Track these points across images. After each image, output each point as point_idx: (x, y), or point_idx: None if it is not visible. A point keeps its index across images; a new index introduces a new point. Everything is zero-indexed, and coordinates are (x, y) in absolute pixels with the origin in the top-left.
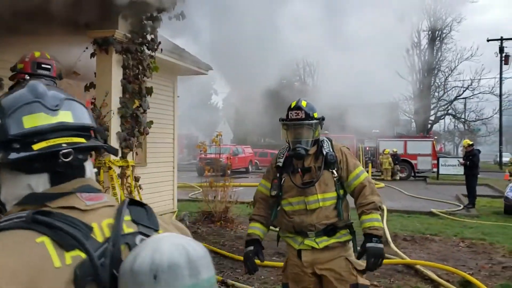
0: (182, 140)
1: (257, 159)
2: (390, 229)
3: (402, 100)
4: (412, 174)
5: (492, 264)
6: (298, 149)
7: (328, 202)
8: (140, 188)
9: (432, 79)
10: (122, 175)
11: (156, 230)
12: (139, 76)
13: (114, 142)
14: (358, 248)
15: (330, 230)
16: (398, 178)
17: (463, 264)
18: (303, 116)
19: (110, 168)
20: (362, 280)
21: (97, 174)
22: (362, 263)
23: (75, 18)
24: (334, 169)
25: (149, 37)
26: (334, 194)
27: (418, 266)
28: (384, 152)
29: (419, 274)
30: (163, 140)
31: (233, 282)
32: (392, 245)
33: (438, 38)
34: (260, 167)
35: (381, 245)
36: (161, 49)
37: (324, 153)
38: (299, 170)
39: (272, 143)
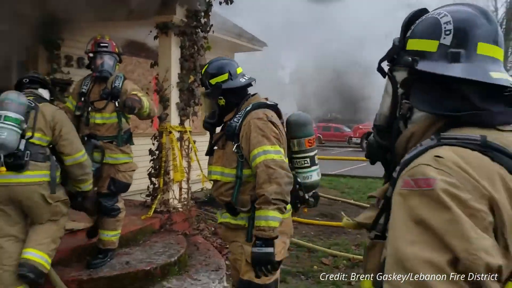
0: None
1: (320, 133)
2: None
3: None
4: None
5: None
6: (204, 122)
7: (226, 178)
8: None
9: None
10: (181, 139)
11: None
12: (194, 55)
13: (173, 112)
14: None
15: (230, 209)
16: None
17: None
18: (201, 85)
19: (170, 132)
20: (247, 276)
21: (160, 137)
22: None
23: (141, 6)
24: (237, 143)
25: (202, 20)
26: (233, 172)
27: None
28: None
29: None
30: None
31: None
32: None
33: None
34: (323, 141)
35: (267, 249)
36: (213, 31)
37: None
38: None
39: (339, 118)
